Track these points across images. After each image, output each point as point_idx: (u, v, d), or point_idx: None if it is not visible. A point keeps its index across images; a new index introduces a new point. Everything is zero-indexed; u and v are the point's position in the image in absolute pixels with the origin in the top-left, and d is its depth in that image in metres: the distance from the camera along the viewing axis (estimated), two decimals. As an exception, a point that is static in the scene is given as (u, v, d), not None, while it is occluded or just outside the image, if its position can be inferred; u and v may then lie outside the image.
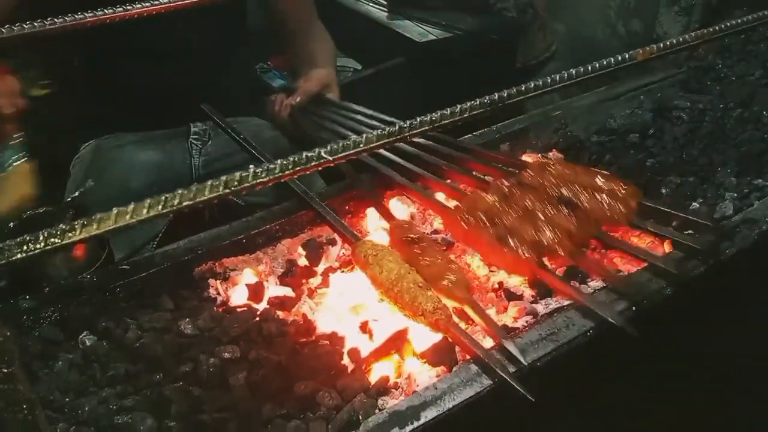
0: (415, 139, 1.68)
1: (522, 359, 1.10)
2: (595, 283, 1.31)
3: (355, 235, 1.35)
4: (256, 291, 1.34)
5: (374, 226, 1.52)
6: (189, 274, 1.36)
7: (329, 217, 1.40)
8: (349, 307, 1.33)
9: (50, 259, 1.30)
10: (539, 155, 1.80)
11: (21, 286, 1.25)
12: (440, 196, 1.53)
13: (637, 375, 1.34)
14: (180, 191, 0.64)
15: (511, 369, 1.09)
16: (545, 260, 1.27)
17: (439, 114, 0.79)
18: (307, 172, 0.70)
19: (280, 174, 0.68)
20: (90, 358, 1.14)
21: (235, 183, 0.66)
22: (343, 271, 1.41)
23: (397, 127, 0.75)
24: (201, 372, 1.14)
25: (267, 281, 1.39)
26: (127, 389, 1.09)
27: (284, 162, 0.68)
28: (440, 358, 1.18)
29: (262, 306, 1.32)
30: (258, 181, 0.67)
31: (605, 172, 1.46)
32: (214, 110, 1.92)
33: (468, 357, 1.15)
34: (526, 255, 1.23)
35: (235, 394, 1.11)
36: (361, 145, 0.73)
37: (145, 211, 0.62)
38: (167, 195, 0.63)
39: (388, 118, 1.73)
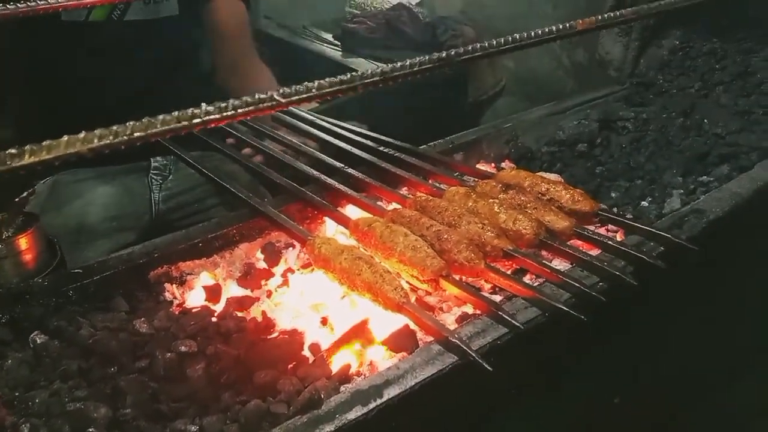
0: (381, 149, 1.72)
1: (518, 324, 1.11)
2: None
3: (307, 233, 1.34)
4: (213, 292, 1.32)
5: (333, 231, 1.52)
6: (144, 278, 1.33)
7: (281, 220, 1.40)
8: (310, 305, 1.32)
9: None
10: (492, 165, 1.84)
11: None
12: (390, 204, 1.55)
13: (596, 358, 1.35)
14: (131, 123, 0.64)
15: (474, 347, 1.09)
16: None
17: (389, 67, 0.80)
18: (260, 114, 0.71)
19: (233, 113, 0.68)
20: (41, 356, 1.11)
21: (187, 117, 0.66)
22: (302, 273, 1.40)
23: (348, 76, 0.77)
24: (157, 367, 1.11)
25: (225, 284, 1.37)
26: (80, 383, 1.06)
27: (236, 102, 0.69)
28: (402, 344, 1.18)
29: (219, 307, 1.30)
30: (210, 117, 0.68)
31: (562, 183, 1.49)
32: (176, 144, 1.90)
33: (430, 340, 1.15)
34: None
35: (193, 384, 1.09)
36: (314, 90, 0.74)
37: (96, 139, 0.62)
38: (119, 126, 0.63)
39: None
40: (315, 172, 1.62)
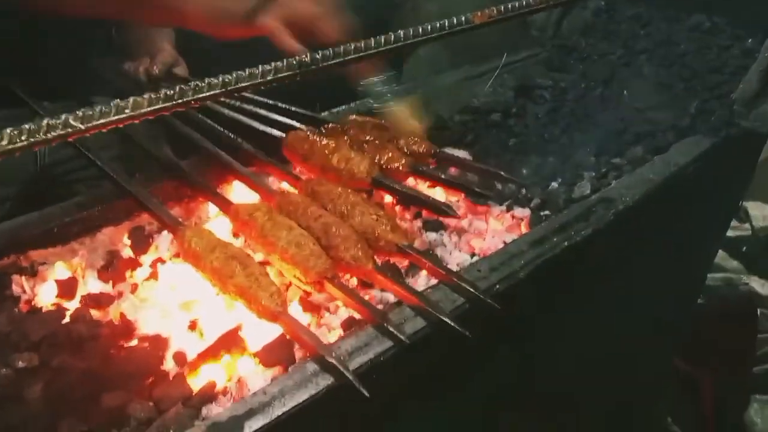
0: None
1: (404, 337, 1.01)
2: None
3: (178, 221, 1.18)
4: (67, 287, 1.16)
5: (216, 211, 1.37)
6: (-12, 270, 1.17)
7: (150, 203, 1.23)
8: (180, 304, 1.18)
9: None
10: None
11: None
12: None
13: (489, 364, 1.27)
14: None
15: (352, 366, 0.98)
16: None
17: (234, 75, 0.65)
18: (45, 146, 0.55)
19: (8, 146, 0.53)
20: None
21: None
22: (174, 263, 1.26)
23: (177, 90, 0.62)
24: (-11, 386, 0.97)
25: (83, 276, 1.21)
26: None
27: (14, 131, 0.53)
28: (275, 358, 1.06)
29: (74, 305, 1.15)
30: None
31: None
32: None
33: (306, 355, 1.04)
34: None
35: (29, 408, 0.95)
36: (127, 111, 0.58)
37: None
38: None
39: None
40: (197, 137, 1.45)
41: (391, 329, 1.03)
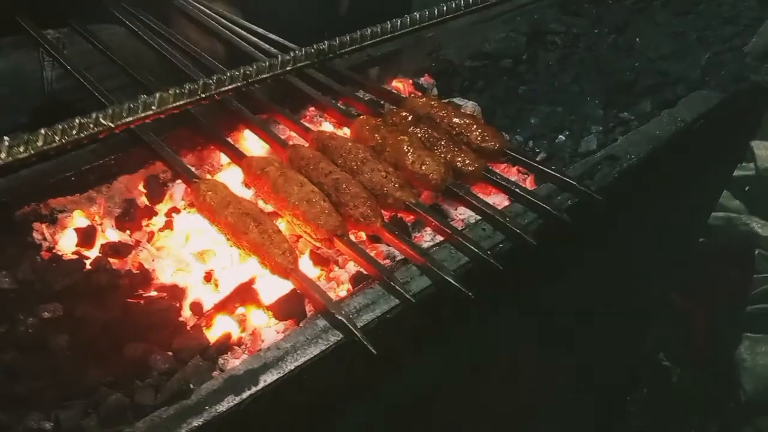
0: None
1: (410, 296, 1.05)
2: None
3: (193, 173, 1.21)
4: (86, 236, 1.20)
5: (228, 160, 1.39)
6: (9, 218, 1.20)
7: (163, 152, 1.25)
8: (195, 254, 1.23)
9: None
10: (410, 81, 1.71)
11: None
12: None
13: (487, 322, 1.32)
14: None
15: (360, 323, 1.03)
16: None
17: (255, 67, 0.67)
18: (82, 143, 0.58)
19: (43, 146, 0.55)
20: None
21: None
22: (189, 212, 1.30)
23: (200, 84, 0.64)
24: (19, 333, 1.02)
25: (101, 224, 1.25)
26: None
27: (48, 131, 0.56)
28: (288, 311, 1.12)
29: (93, 253, 1.19)
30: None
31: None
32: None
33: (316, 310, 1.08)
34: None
35: (55, 359, 1.01)
36: (153, 108, 0.61)
37: None
38: None
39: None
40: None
41: (397, 287, 1.07)
